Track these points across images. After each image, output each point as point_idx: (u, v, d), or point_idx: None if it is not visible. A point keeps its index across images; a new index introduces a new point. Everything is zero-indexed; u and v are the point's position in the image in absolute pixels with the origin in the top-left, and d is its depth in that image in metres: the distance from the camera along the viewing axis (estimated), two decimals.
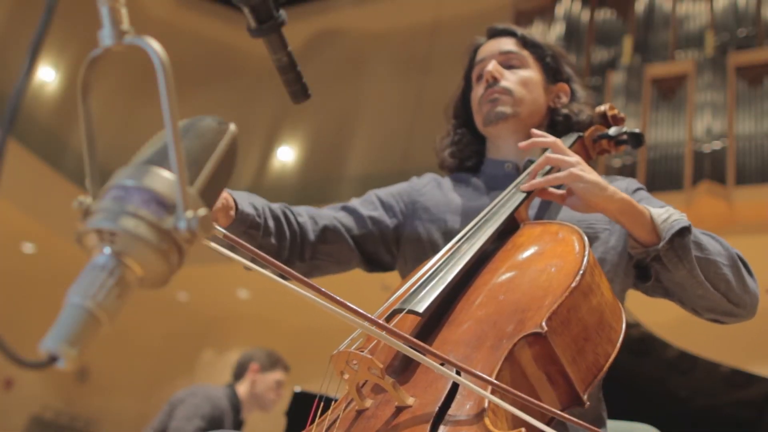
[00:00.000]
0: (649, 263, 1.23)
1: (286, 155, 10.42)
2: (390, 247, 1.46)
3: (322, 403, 0.98)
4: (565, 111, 1.50)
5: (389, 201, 1.48)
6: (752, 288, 1.26)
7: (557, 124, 1.50)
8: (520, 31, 1.56)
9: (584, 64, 7.84)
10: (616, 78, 7.19)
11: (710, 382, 2.52)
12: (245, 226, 1.20)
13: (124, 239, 0.48)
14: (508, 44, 1.54)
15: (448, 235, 1.33)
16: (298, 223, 1.35)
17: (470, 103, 1.57)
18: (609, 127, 1.53)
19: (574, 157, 1.22)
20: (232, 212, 1.17)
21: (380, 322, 0.80)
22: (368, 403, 0.90)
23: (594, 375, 0.95)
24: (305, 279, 0.77)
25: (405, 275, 1.42)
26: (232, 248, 0.93)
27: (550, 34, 8.08)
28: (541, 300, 0.94)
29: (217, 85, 10.28)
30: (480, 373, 0.81)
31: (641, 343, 2.58)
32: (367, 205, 1.47)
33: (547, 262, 1.02)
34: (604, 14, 8.15)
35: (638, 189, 1.44)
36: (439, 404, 0.83)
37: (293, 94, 0.87)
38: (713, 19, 7.48)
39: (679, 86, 7.03)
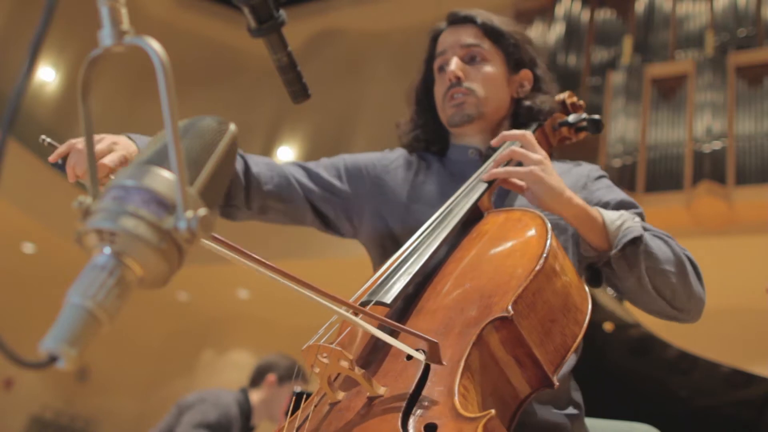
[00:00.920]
0: (600, 268, 1.27)
1: (286, 155, 10.42)
2: (351, 218, 1.47)
3: (293, 399, 0.99)
4: (528, 103, 1.50)
5: (355, 172, 1.49)
6: (698, 294, 1.27)
7: (520, 115, 1.51)
8: (480, 18, 1.53)
9: (584, 64, 7.84)
10: (616, 78, 7.18)
11: (710, 382, 2.52)
12: None
13: (124, 239, 0.48)
14: (469, 35, 1.51)
15: (410, 220, 1.35)
16: (249, 172, 1.35)
17: (432, 91, 1.57)
18: (568, 114, 1.56)
19: (539, 155, 1.23)
20: None
21: (355, 305, 0.82)
22: (340, 395, 0.92)
23: (562, 356, 0.97)
24: (286, 271, 0.78)
25: (373, 256, 1.45)
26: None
27: (550, 34, 8.08)
28: (506, 285, 0.95)
29: (217, 85, 10.28)
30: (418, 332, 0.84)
31: (641, 343, 2.58)
32: (331, 170, 1.47)
33: (511, 247, 1.04)
34: (604, 14, 8.15)
35: (601, 176, 1.45)
36: (410, 391, 0.84)
37: (293, 94, 0.87)
38: (713, 19, 7.48)
39: (679, 86, 7.03)
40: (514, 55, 1.52)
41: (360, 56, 10.06)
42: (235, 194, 1.34)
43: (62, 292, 0.47)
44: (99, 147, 1.10)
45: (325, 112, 9.59)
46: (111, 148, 1.13)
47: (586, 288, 1.06)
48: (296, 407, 0.98)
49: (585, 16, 8.15)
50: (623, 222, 1.22)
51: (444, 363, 0.86)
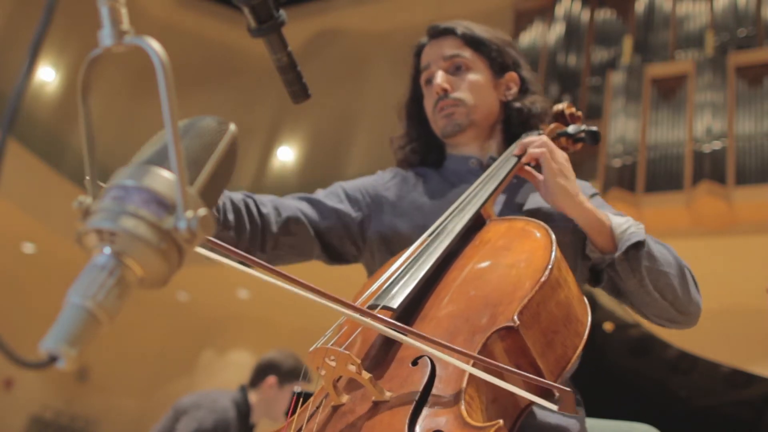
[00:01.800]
0: (603, 269, 1.29)
1: (286, 155, 10.42)
2: (356, 240, 1.47)
3: (294, 398, 0.99)
4: (517, 105, 1.51)
5: (355, 194, 1.49)
6: (696, 299, 1.31)
7: (512, 118, 1.52)
8: (460, 28, 1.55)
9: (584, 64, 7.85)
10: (616, 78, 7.19)
11: (710, 382, 2.52)
12: None
13: (124, 239, 0.48)
14: (451, 47, 1.53)
15: (414, 231, 1.35)
16: (261, 215, 1.35)
17: (422, 104, 1.58)
18: (567, 125, 1.57)
19: (562, 158, 1.30)
20: None
21: (365, 309, 0.81)
22: (344, 398, 0.91)
23: (562, 367, 0.98)
24: (290, 275, 0.77)
25: (372, 270, 1.45)
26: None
27: (549, 34, 8.08)
28: (511, 294, 0.96)
29: (217, 85, 10.28)
30: (461, 349, 0.83)
31: (641, 343, 2.58)
32: (332, 197, 1.47)
33: (516, 257, 1.05)
34: (604, 14, 8.16)
35: (594, 194, 1.48)
36: (417, 398, 0.84)
37: (293, 94, 0.87)
38: (713, 19, 7.49)
39: (679, 86, 7.03)
40: (497, 59, 1.53)
41: (360, 56, 10.06)
42: (254, 239, 1.33)
43: (62, 292, 0.47)
44: None
45: (325, 112, 9.60)
46: None
47: (586, 300, 1.07)
48: (296, 407, 0.98)
49: (585, 16, 8.15)
50: (629, 226, 1.26)
51: (448, 373, 0.86)
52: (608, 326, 2.60)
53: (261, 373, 3.35)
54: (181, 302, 10.01)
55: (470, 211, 1.21)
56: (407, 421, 0.80)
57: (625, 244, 1.23)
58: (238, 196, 1.32)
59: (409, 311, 1.03)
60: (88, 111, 0.53)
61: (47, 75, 9.32)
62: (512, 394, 0.91)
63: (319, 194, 1.48)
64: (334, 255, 1.49)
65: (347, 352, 0.87)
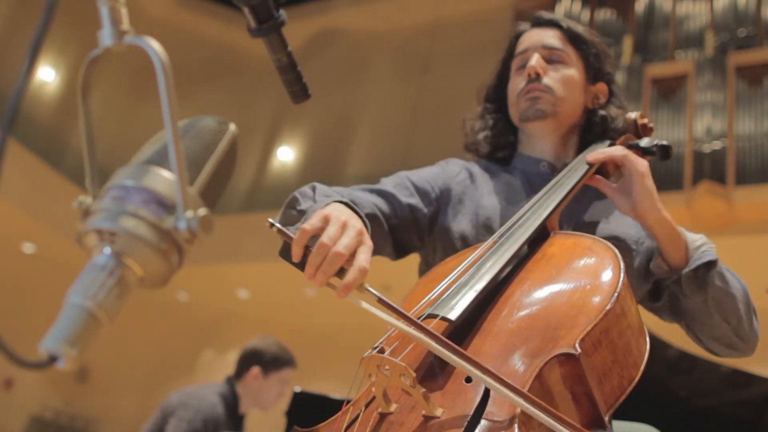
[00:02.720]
0: (667, 285, 1.26)
1: (286, 155, 10.42)
2: (422, 235, 1.41)
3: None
4: (603, 113, 1.47)
5: (424, 186, 1.42)
6: (756, 329, 1.29)
7: (594, 125, 1.48)
8: (566, 23, 1.51)
9: None
10: (616, 78, 7.18)
11: (710, 382, 2.51)
12: None
13: (124, 239, 0.48)
14: (553, 38, 1.49)
15: (476, 230, 1.32)
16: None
17: (505, 90, 1.53)
18: (639, 136, 1.51)
19: (645, 166, 1.26)
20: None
21: (422, 325, 0.79)
22: (393, 407, 0.89)
23: (616, 398, 0.94)
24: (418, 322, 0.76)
25: (429, 264, 1.40)
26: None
27: None
28: (574, 319, 0.92)
29: (217, 85, 10.28)
30: (515, 386, 0.80)
31: None
32: (403, 190, 1.40)
33: (581, 279, 1.00)
34: (604, 14, 8.15)
35: None
36: (468, 418, 0.82)
37: (293, 95, 0.87)
38: (713, 19, 7.48)
39: (679, 86, 7.03)
40: (594, 65, 1.50)
41: (360, 56, 10.06)
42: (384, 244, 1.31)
43: (62, 292, 0.47)
44: (345, 242, 0.92)
45: (325, 112, 9.59)
46: (360, 241, 0.94)
47: (646, 331, 1.03)
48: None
49: (585, 16, 8.15)
50: (703, 243, 1.24)
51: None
52: None
53: (244, 364, 3.27)
54: (181, 302, 10.01)
55: (536, 221, 1.16)
56: None
57: (697, 261, 1.20)
58: (334, 196, 1.23)
59: (467, 323, 0.99)
60: (88, 111, 0.53)
61: (47, 75, 9.31)
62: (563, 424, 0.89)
63: (388, 185, 1.39)
64: (402, 252, 1.43)
65: (403, 364, 0.84)
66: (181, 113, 0.50)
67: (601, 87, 1.51)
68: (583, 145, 1.48)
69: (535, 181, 1.42)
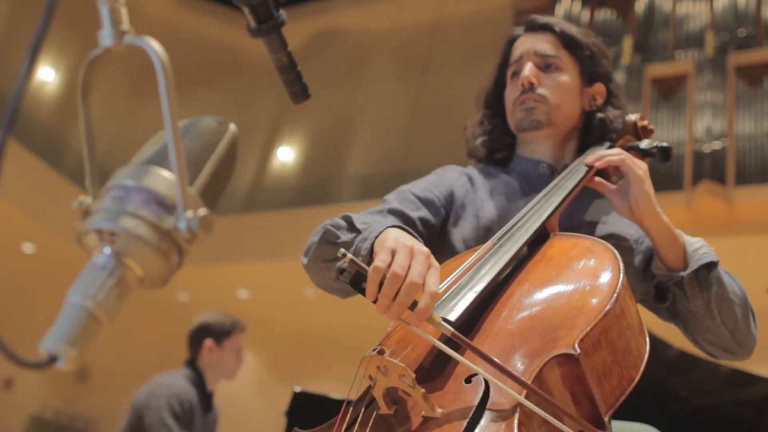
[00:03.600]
0: (669, 287, 1.26)
1: (286, 155, 10.42)
2: (432, 242, 1.40)
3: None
4: (600, 115, 1.47)
5: (428, 197, 1.42)
6: (754, 333, 1.29)
7: (592, 128, 1.47)
8: (559, 27, 1.50)
9: None
10: (616, 78, 7.18)
11: (710, 382, 2.52)
12: None
13: (124, 239, 0.48)
14: (545, 44, 1.48)
15: (482, 234, 1.32)
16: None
17: (503, 96, 1.53)
18: (638, 137, 1.51)
19: (644, 169, 1.26)
20: None
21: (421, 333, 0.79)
22: (393, 408, 0.89)
23: (616, 398, 0.95)
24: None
25: None
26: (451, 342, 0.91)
27: None
28: (573, 320, 0.92)
29: (217, 85, 10.28)
30: (518, 375, 0.80)
31: None
32: (409, 204, 1.39)
33: (581, 280, 1.00)
34: (604, 14, 8.15)
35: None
36: (468, 418, 0.82)
37: (293, 95, 0.87)
38: (713, 19, 7.49)
39: (679, 86, 7.03)
40: (589, 67, 1.49)
41: (360, 56, 10.06)
42: None
43: (62, 292, 0.47)
44: (417, 270, 0.91)
45: (325, 112, 9.59)
46: (429, 264, 0.95)
47: (646, 331, 1.03)
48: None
49: (585, 16, 8.15)
50: (701, 246, 1.24)
51: (503, 395, 0.84)
52: None
53: (196, 341, 3.31)
54: (181, 302, 10.01)
55: (536, 223, 1.17)
56: None
57: (697, 263, 1.20)
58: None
59: (467, 324, 1.00)
60: (88, 111, 0.53)
61: (47, 75, 9.31)
62: (563, 419, 0.88)
63: (393, 203, 1.37)
64: None
65: (402, 365, 0.85)
66: (181, 113, 0.50)
67: (599, 88, 1.51)
68: (582, 148, 1.48)
69: (535, 182, 1.42)
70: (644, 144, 1.44)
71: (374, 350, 0.94)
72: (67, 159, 8.83)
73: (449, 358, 0.91)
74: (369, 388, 0.93)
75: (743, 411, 2.53)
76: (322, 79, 8.90)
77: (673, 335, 2.60)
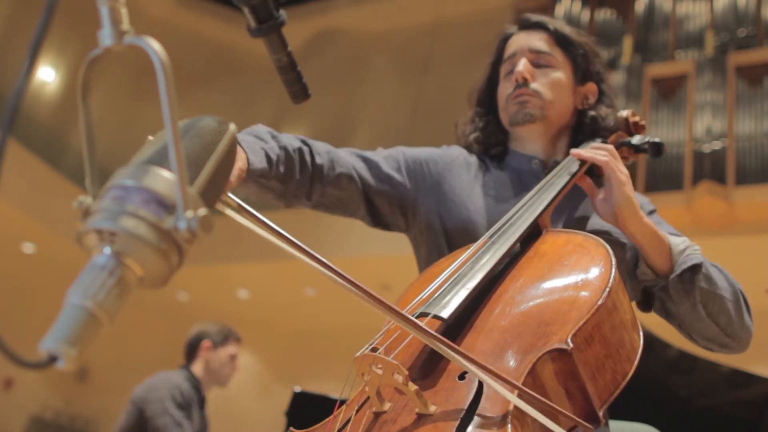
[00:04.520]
0: (655, 292, 1.26)
1: None
2: (406, 213, 1.43)
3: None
4: (592, 113, 1.48)
5: (415, 167, 1.45)
6: (748, 325, 1.29)
7: (584, 126, 1.49)
8: (552, 25, 1.52)
9: None
10: (616, 78, 7.18)
11: (710, 382, 2.52)
12: (253, 177, 1.17)
13: (124, 239, 0.48)
14: (539, 42, 1.50)
15: (464, 223, 1.33)
16: (314, 164, 1.32)
17: (496, 93, 1.55)
18: (630, 133, 1.52)
19: (625, 173, 1.27)
20: (245, 174, 1.11)
21: (414, 320, 0.80)
22: (387, 406, 0.89)
23: (610, 392, 0.95)
24: (337, 269, 0.74)
25: (419, 250, 1.43)
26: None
27: None
28: (566, 314, 0.93)
29: (217, 85, 10.28)
30: (507, 378, 0.80)
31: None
32: (391, 162, 1.43)
33: (573, 275, 1.01)
34: (604, 14, 8.15)
35: (652, 211, 1.45)
36: (462, 415, 0.82)
37: (293, 95, 0.87)
38: (713, 19, 7.48)
39: (679, 86, 7.03)
40: (582, 65, 1.51)
41: (360, 56, 10.06)
42: (302, 189, 1.31)
43: (62, 292, 0.47)
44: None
45: (325, 112, 9.59)
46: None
47: (639, 326, 1.04)
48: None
49: (585, 16, 8.15)
50: (687, 247, 1.24)
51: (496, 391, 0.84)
52: None
53: (193, 344, 3.44)
54: (181, 302, 10.01)
55: (528, 219, 1.17)
56: None
57: (682, 266, 1.20)
58: (294, 144, 1.29)
59: (460, 321, 1.00)
60: (88, 111, 0.53)
61: (47, 75, 9.31)
62: (556, 418, 0.87)
63: (379, 155, 1.44)
64: (380, 220, 1.45)
65: (395, 362, 0.85)
66: (181, 113, 0.50)
67: (590, 87, 1.52)
68: (573, 145, 1.49)
69: (527, 178, 1.43)
70: (636, 140, 1.46)
71: (367, 348, 0.95)
72: (67, 159, 8.83)
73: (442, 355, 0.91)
74: (363, 386, 0.93)
75: (743, 411, 2.53)
76: (322, 79, 8.90)
77: (673, 335, 2.60)
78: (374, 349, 0.94)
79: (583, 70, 1.51)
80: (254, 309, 9.66)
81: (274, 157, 1.23)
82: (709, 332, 1.26)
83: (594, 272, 0.99)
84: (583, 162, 1.33)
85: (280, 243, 0.72)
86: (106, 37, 0.50)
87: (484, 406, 0.83)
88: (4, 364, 7.40)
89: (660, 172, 6.54)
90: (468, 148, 1.55)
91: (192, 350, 3.43)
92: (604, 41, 7.92)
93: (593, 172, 1.34)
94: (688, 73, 7.02)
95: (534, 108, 1.44)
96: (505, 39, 1.57)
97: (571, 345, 0.88)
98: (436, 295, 1.03)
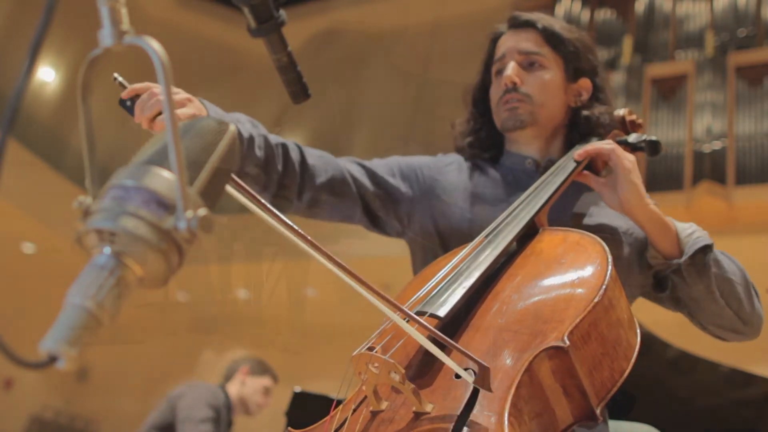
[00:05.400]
0: (668, 275, 1.27)
1: None
2: (402, 217, 1.44)
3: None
4: (586, 113, 1.48)
5: (409, 172, 1.47)
6: (759, 309, 1.30)
7: (579, 125, 1.48)
8: (541, 23, 1.50)
9: None
10: (616, 78, 7.18)
11: (710, 382, 2.51)
12: None
13: (124, 239, 0.48)
14: (528, 42, 1.48)
15: (461, 224, 1.34)
16: (304, 163, 1.33)
17: (489, 93, 1.55)
18: (627, 132, 1.52)
19: (631, 160, 1.28)
20: None
21: (411, 314, 0.80)
22: (384, 405, 0.90)
23: (608, 390, 0.95)
24: (335, 258, 0.76)
25: (415, 252, 1.44)
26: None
27: None
28: (562, 312, 0.93)
29: (217, 85, 10.27)
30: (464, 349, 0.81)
31: (641, 343, 2.57)
32: (386, 168, 1.45)
33: (570, 273, 1.01)
34: (604, 14, 8.15)
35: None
36: (458, 413, 0.82)
37: (293, 95, 0.87)
38: (713, 19, 7.48)
39: (679, 86, 7.02)
40: (574, 62, 1.49)
41: (360, 56, 10.05)
42: (290, 184, 1.32)
43: (62, 292, 0.47)
44: (176, 98, 1.08)
45: (325, 112, 9.59)
46: (184, 103, 1.12)
47: (636, 323, 1.04)
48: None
49: (585, 16, 8.14)
50: (694, 231, 1.26)
51: (493, 389, 0.84)
52: None
53: (232, 368, 3.60)
54: (181, 302, 10.00)
55: (524, 218, 1.17)
56: None
57: (692, 248, 1.21)
58: (278, 140, 1.31)
59: (457, 319, 1.00)
60: (88, 111, 0.53)
61: (47, 75, 9.31)
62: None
63: (373, 162, 1.46)
64: (376, 222, 1.46)
65: (392, 361, 0.85)
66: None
67: (584, 83, 1.51)
68: (568, 144, 1.49)
69: (521, 177, 1.44)
70: (633, 138, 1.46)
71: (364, 347, 0.95)
72: (67, 159, 8.82)
73: None
74: (361, 385, 0.93)
75: (743, 411, 2.53)
76: (322, 79, 8.90)
77: (673, 335, 2.61)
78: (371, 348, 0.94)
79: (575, 67, 1.50)
80: (254, 309, 9.66)
81: (246, 135, 1.24)
82: (722, 317, 1.27)
83: (590, 270, 1.00)
84: (580, 160, 1.32)
85: (279, 227, 0.72)
86: (106, 37, 0.50)
87: (481, 403, 0.84)
88: (4, 364, 7.37)
89: (660, 172, 6.53)
90: (462, 150, 1.56)
91: (230, 373, 3.59)
92: (604, 41, 7.92)
93: (592, 168, 1.34)
94: (688, 73, 7.02)
95: (524, 113, 1.43)
96: (496, 38, 1.56)
97: (567, 342, 0.88)
98: (433, 293, 1.03)
